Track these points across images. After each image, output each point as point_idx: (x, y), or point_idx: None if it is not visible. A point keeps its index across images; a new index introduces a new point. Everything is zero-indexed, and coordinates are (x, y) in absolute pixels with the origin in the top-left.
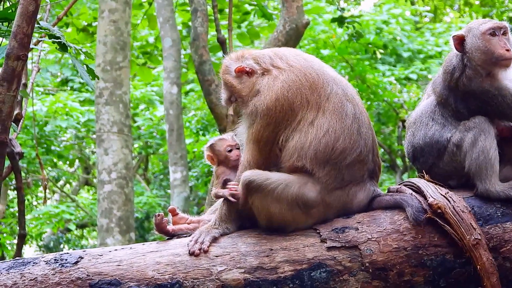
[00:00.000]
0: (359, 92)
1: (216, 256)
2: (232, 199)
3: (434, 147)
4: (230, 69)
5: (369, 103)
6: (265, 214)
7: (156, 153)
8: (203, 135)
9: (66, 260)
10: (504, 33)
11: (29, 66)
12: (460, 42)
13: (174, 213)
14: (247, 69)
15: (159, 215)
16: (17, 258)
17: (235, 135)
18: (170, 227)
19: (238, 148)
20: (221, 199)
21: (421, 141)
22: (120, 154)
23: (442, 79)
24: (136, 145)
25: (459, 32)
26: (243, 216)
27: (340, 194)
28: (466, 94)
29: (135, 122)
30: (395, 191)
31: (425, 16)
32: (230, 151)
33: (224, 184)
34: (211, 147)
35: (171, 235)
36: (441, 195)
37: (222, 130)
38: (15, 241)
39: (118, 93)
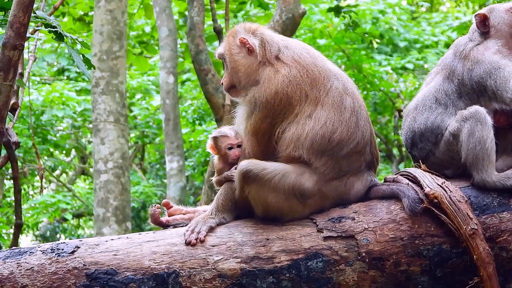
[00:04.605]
0: (355, 82)
1: (213, 246)
2: (232, 177)
3: (434, 132)
4: (237, 35)
5: (365, 92)
6: (261, 204)
7: (153, 142)
8: (200, 124)
9: (62, 249)
10: None
11: (26, 56)
12: (482, 20)
13: (168, 206)
14: (248, 46)
15: (154, 205)
16: (13, 247)
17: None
18: (164, 218)
19: (240, 146)
20: (221, 187)
21: (422, 125)
22: (117, 143)
23: (453, 52)
24: (132, 135)
25: (482, 11)
26: (240, 206)
27: (337, 184)
28: (475, 64)
29: (131, 111)
30: (391, 180)
31: (422, 6)
32: (230, 149)
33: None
34: (214, 140)
35: (166, 226)
36: (438, 185)
37: (219, 120)
38: (12, 231)
39: (114, 82)
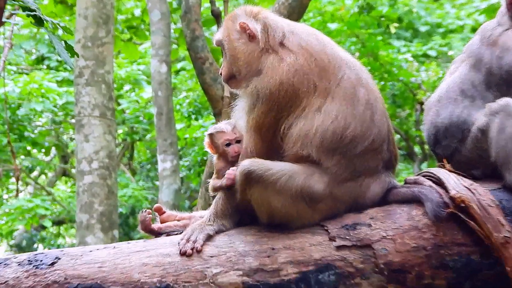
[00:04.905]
0: (371, 71)
1: (211, 257)
2: (229, 183)
3: (460, 127)
4: (237, 19)
5: (382, 83)
6: (266, 208)
7: (143, 139)
8: (196, 119)
9: (41, 261)
10: None
11: (1, 42)
12: None
13: (160, 211)
14: (249, 31)
15: (145, 211)
16: None
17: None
18: (156, 225)
19: (239, 142)
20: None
21: (446, 120)
22: (102, 140)
23: (480, 38)
24: (120, 131)
25: None
26: (241, 211)
27: (351, 186)
28: (505, 51)
29: (119, 105)
30: (412, 182)
31: None
32: (228, 145)
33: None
34: (210, 138)
35: (158, 234)
36: (465, 187)
37: (217, 114)
38: None
39: (100, 72)
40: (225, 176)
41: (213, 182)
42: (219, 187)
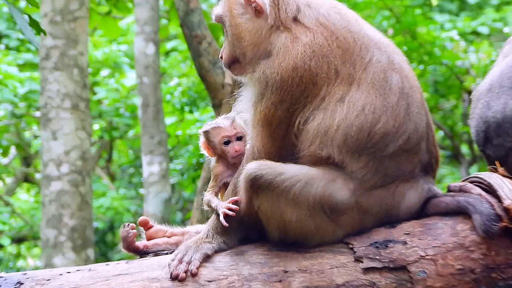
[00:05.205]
0: (407, 53)
1: (209, 281)
2: (225, 223)
3: None
4: None
5: (421, 67)
6: (277, 222)
7: (124, 137)
8: (190, 112)
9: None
10: None
11: None
12: None
13: (147, 225)
14: (255, 5)
15: (127, 225)
16: None
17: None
18: (141, 242)
19: (241, 139)
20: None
21: (499, 114)
22: (75, 139)
23: None
24: (96, 127)
25: None
26: (247, 225)
27: (382, 194)
28: None
29: (94, 94)
30: (457, 190)
31: None
32: (227, 143)
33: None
34: (205, 136)
35: (144, 253)
36: None
37: (217, 106)
38: None
39: (72, 53)
40: (223, 205)
41: (208, 196)
42: (214, 209)
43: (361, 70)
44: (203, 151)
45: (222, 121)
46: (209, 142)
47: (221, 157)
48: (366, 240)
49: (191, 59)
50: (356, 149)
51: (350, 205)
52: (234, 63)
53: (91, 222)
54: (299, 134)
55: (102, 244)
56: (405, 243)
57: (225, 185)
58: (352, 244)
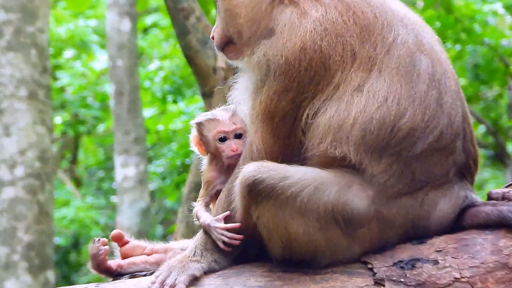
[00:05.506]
0: (440, 30)
1: None
2: (223, 246)
3: None
4: None
5: (457, 48)
6: (280, 236)
7: (93, 133)
8: (174, 102)
9: None
10: None
11: None
12: None
13: (121, 241)
14: None
15: (98, 240)
16: None
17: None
18: (115, 261)
19: (240, 136)
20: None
21: None
22: (32, 134)
23: None
24: (58, 120)
25: None
26: (243, 240)
27: (408, 203)
28: None
29: (56, 80)
30: (500, 197)
31: None
32: (222, 140)
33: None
34: (198, 128)
35: (118, 275)
36: None
37: (207, 94)
38: None
39: (29, 30)
40: (218, 227)
41: (197, 207)
42: (204, 226)
43: (383, 52)
44: (194, 147)
45: (220, 113)
46: (201, 137)
47: (215, 157)
48: (389, 258)
49: (175, 37)
50: (377, 148)
51: (369, 216)
52: (228, 44)
53: (51, 237)
54: (307, 130)
55: (65, 264)
56: (436, 262)
57: (218, 194)
58: (371, 264)
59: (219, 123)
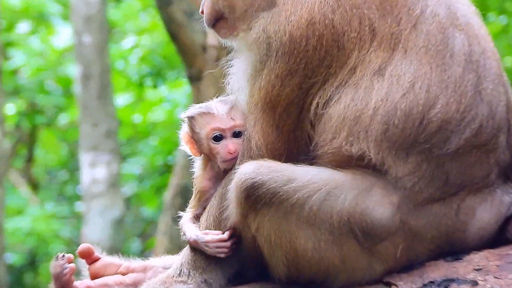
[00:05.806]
0: (479, 1)
1: None
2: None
3: None
4: None
5: (503, 20)
6: (285, 252)
7: (54, 125)
8: (154, 87)
9: None
10: None
11: None
12: None
13: (90, 257)
14: None
15: (62, 257)
16: None
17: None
18: (83, 282)
19: (239, 135)
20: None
21: None
22: None
23: None
24: (11, 109)
25: None
26: (240, 256)
27: (441, 211)
28: None
29: (8, 59)
30: None
31: None
32: (218, 139)
33: None
34: (190, 124)
35: None
36: None
37: (194, 78)
38: None
39: None
40: (207, 240)
41: (184, 219)
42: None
43: (408, 27)
44: (185, 146)
45: (216, 105)
46: (193, 134)
47: (209, 159)
48: (417, 279)
49: (156, 8)
50: (402, 145)
51: (392, 227)
52: (219, 20)
53: (1, 254)
54: (317, 122)
55: (19, 286)
56: (475, 283)
57: None
58: (396, 285)
59: (214, 118)
